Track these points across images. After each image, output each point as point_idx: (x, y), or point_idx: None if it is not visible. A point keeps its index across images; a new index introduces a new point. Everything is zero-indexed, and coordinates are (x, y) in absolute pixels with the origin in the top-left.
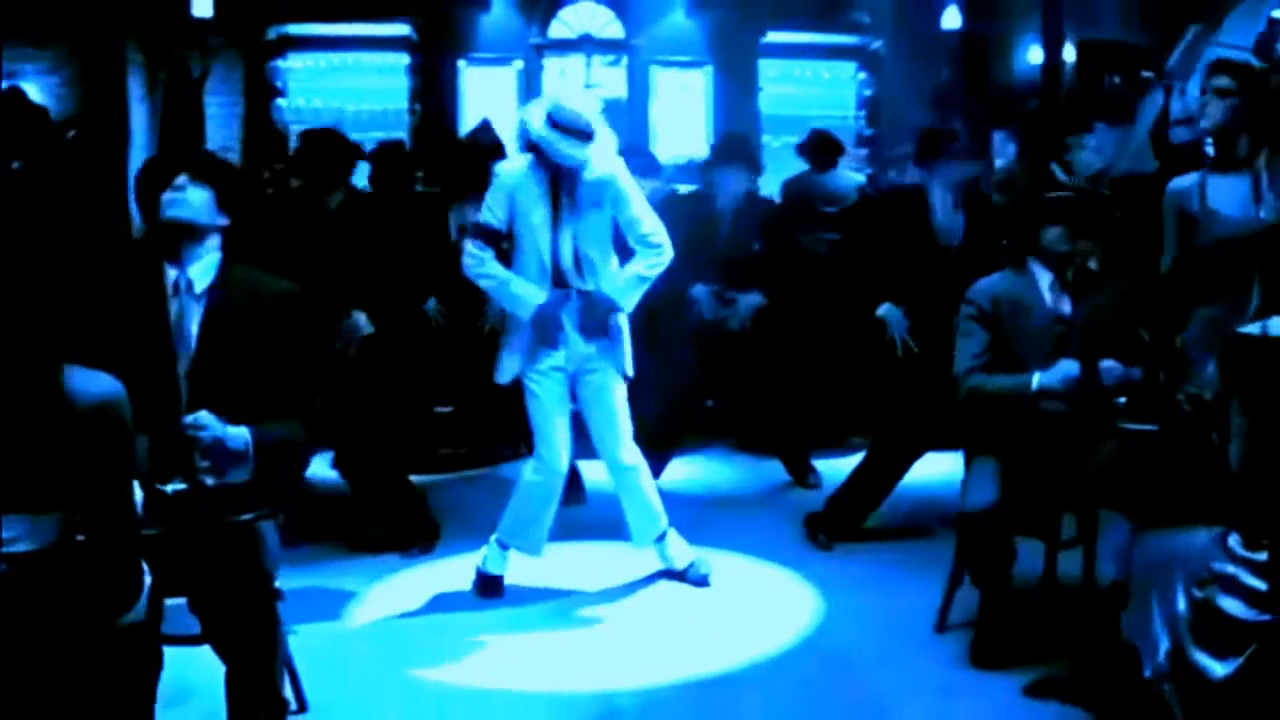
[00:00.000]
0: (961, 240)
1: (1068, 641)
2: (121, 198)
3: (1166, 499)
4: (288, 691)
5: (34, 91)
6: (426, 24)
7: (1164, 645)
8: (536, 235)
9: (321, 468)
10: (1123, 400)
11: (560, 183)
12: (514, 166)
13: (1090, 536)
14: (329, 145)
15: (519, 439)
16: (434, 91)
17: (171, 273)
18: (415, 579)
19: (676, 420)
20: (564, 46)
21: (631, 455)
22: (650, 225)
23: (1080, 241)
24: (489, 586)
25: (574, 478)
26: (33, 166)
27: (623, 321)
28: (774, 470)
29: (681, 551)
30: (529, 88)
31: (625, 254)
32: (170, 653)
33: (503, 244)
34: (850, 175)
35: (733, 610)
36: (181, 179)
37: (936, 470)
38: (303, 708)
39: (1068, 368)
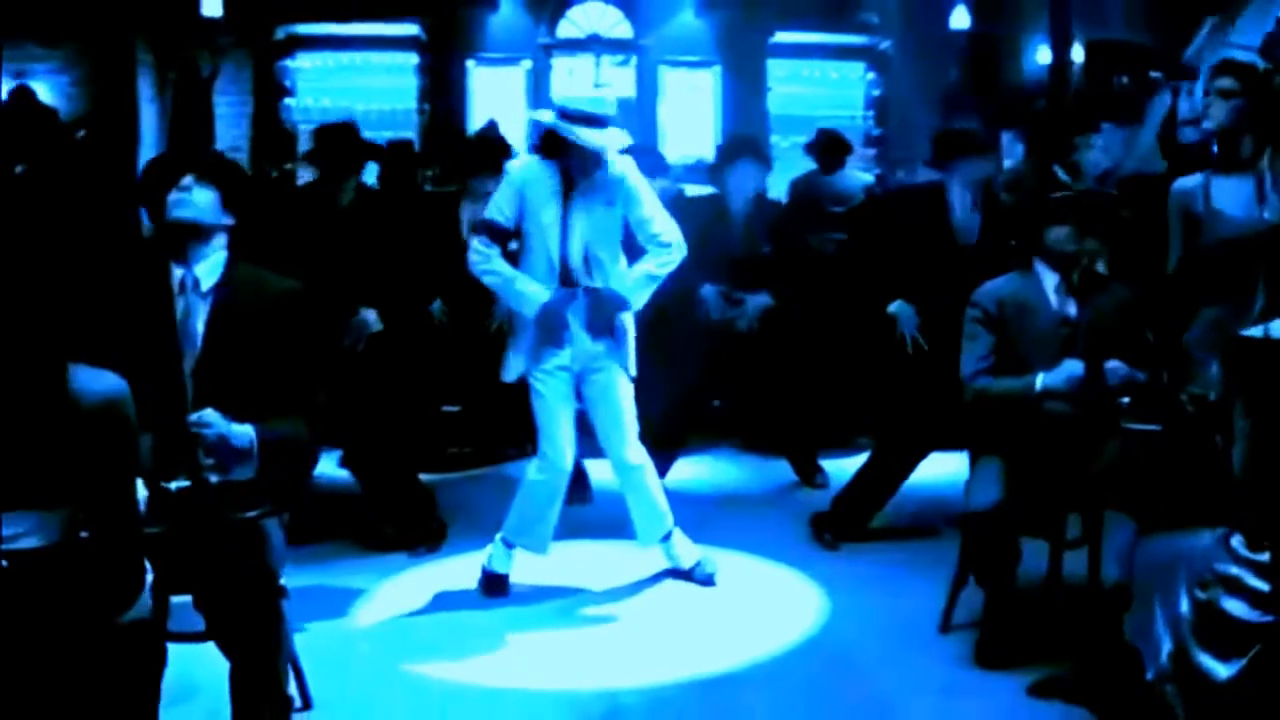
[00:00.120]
0: (977, 239)
1: (1072, 642)
2: (130, 197)
3: (1170, 500)
4: (293, 689)
5: (44, 91)
6: (435, 24)
7: (1167, 646)
8: (546, 234)
9: (330, 466)
10: (1127, 401)
11: (572, 181)
12: (525, 164)
13: (1095, 537)
14: (345, 137)
15: (525, 438)
16: (442, 91)
17: (178, 272)
18: (421, 577)
19: (683, 420)
20: (572, 46)
21: (637, 454)
22: (661, 224)
23: (1087, 241)
24: (494, 585)
25: (580, 477)
26: (42, 166)
27: (628, 320)
28: (780, 470)
29: (687, 551)
30: (537, 87)
31: (632, 253)
32: (175, 650)
33: (510, 243)
34: (858, 175)
35: (738, 609)
36: (187, 179)
37: (942, 470)
38: (307, 705)
39: (1072, 368)
